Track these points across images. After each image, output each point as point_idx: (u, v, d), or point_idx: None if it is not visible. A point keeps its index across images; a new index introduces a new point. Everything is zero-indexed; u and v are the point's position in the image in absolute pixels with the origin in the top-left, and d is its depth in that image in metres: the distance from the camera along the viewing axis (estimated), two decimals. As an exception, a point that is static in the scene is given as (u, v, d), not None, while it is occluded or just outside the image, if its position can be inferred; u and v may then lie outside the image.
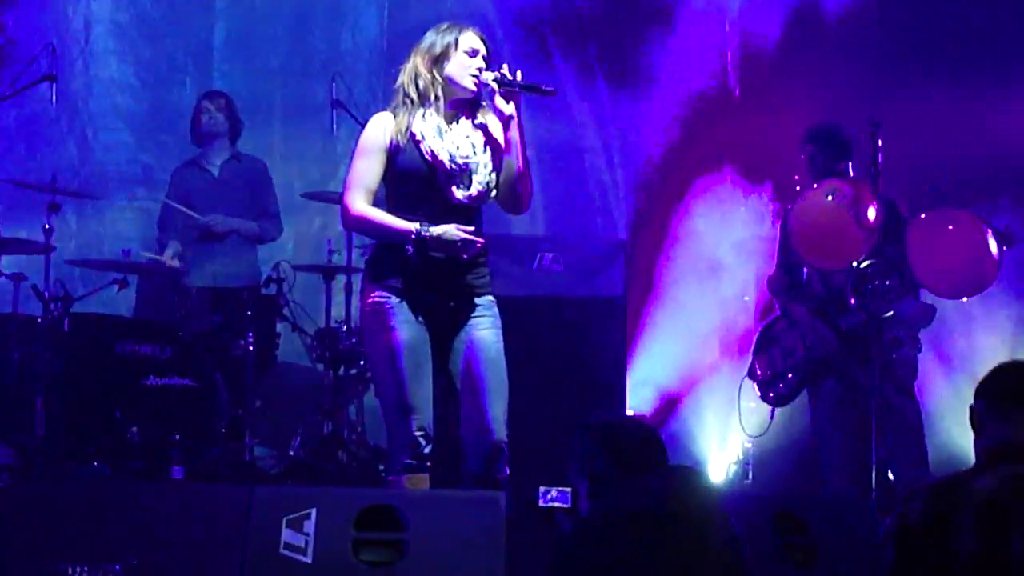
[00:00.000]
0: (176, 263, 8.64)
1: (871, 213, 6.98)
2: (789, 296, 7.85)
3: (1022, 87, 8.85)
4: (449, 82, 5.65)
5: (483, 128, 5.71)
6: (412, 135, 5.60)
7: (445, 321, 5.64)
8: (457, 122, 5.69)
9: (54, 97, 7.94)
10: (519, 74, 5.63)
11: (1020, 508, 3.29)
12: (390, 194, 5.70)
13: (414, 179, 5.61)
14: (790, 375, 7.78)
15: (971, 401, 3.74)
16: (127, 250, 8.56)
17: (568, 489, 4.97)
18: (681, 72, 10.00)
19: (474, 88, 5.65)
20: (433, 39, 5.69)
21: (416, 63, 5.69)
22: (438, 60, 5.64)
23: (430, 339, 5.61)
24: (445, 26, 5.74)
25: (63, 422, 7.67)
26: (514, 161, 5.67)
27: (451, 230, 5.51)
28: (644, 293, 9.72)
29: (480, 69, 5.64)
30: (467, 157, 5.62)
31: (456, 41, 5.65)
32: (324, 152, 10.07)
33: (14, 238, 8.24)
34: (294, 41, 10.34)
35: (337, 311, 8.64)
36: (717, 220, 9.74)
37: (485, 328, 5.64)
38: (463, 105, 5.72)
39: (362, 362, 8.48)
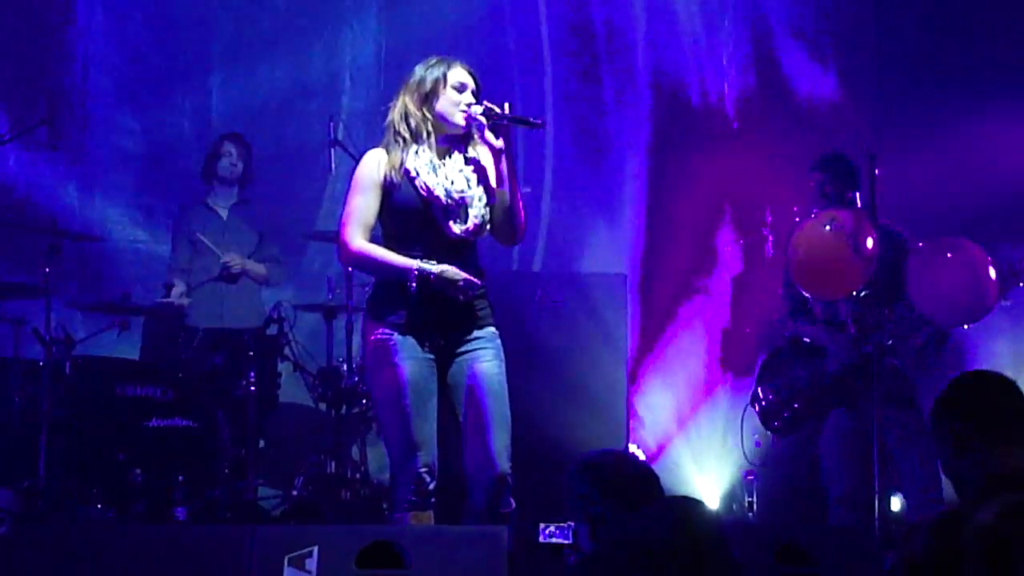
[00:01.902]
0: (185, 301, 8.65)
1: (869, 243, 6.98)
2: (798, 321, 7.77)
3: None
4: (439, 118, 5.69)
5: (475, 162, 5.74)
6: (406, 171, 5.63)
7: (447, 355, 5.66)
8: (450, 156, 5.72)
9: (52, 140, 7.98)
10: (507, 106, 5.67)
11: (1022, 540, 3.27)
12: (386, 230, 5.73)
13: (410, 215, 5.64)
14: (796, 404, 7.72)
15: None
16: (128, 292, 8.56)
17: (567, 524, 4.96)
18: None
19: (464, 123, 5.68)
20: (422, 75, 5.72)
21: (405, 101, 5.72)
22: (427, 97, 5.68)
23: (434, 374, 5.63)
24: (433, 61, 5.77)
25: (65, 465, 7.66)
26: (506, 193, 5.68)
27: (451, 270, 5.54)
28: (644, 324, 9.74)
29: (469, 104, 5.66)
30: (462, 191, 5.65)
31: (444, 76, 5.68)
32: (323, 192, 10.08)
33: (14, 281, 8.24)
34: (292, 82, 10.37)
35: (338, 350, 8.62)
36: (715, 250, 9.75)
37: (487, 360, 5.65)
38: (454, 139, 5.75)
39: (364, 401, 8.47)
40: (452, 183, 5.65)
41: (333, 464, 8.41)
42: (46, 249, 7.93)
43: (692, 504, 4.05)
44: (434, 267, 5.52)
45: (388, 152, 5.69)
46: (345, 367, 8.44)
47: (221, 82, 10.32)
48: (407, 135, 5.68)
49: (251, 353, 8.22)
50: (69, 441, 7.69)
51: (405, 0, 10.69)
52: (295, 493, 8.24)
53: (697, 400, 9.67)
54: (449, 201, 5.62)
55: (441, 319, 5.61)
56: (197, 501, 7.69)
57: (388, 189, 5.64)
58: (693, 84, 10.18)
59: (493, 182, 5.72)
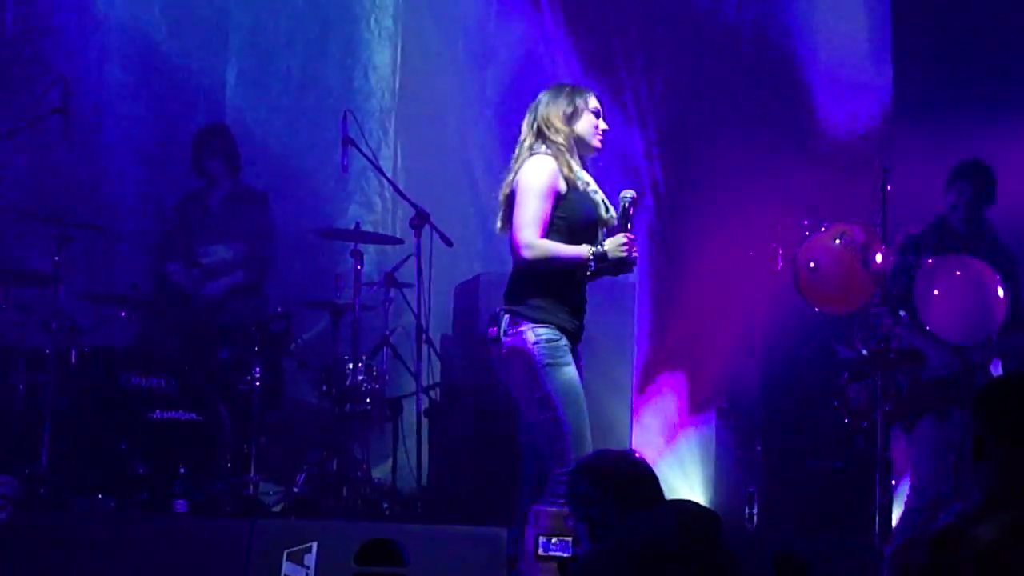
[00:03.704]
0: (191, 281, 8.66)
1: (879, 257, 6.97)
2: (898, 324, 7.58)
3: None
4: (580, 138, 6.01)
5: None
6: (582, 180, 5.93)
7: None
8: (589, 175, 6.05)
9: (65, 129, 7.99)
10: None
11: (1022, 558, 3.25)
12: (555, 237, 5.89)
13: (581, 223, 5.92)
14: (887, 406, 7.49)
15: None
16: (136, 283, 8.56)
17: (568, 538, 4.96)
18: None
19: (599, 147, 6.06)
20: (565, 95, 6.04)
21: (550, 117, 5.99)
22: (571, 117, 5.99)
23: None
24: (569, 87, 6.13)
25: (68, 454, 7.66)
26: None
27: (618, 241, 5.81)
28: (651, 332, 9.74)
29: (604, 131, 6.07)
30: (605, 207, 6.00)
31: (586, 100, 6.03)
32: (335, 189, 10.08)
33: (23, 269, 8.24)
34: (307, 78, 10.36)
35: (344, 347, 8.61)
36: (722, 262, 9.73)
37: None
38: (584, 160, 6.08)
39: (368, 400, 8.48)
40: (602, 199, 5.99)
41: (335, 462, 8.40)
42: (56, 238, 7.94)
43: (694, 508, 4.05)
44: (603, 246, 5.81)
45: (558, 161, 5.91)
46: (350, 365, 8.43)
47: (236, 76, 10.31)
48: (566, 145, 5.97)
49: (256, 348, 8.21)
50: (72, 430, 7.70)
51: (422, 1, 10.71)
52: (296, 490, 8.23)
53: (685, 420, 9.71)
54: (606, 215, 5.95)
55: (580, 326, 5.94)
56: (198, 494, 7.69)
57: (564, 197, 5.88)
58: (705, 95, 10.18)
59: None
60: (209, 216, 8.87)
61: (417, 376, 8.31)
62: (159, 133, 10.03)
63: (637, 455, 4.75)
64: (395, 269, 8.78)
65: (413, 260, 8.30)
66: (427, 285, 8.41)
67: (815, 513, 8.02)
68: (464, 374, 8.93)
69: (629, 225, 5.88)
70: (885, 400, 7.31)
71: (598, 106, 6.06)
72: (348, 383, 8.41)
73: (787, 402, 8.85)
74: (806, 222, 7.90)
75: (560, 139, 5.92)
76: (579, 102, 5.99)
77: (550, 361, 5.74)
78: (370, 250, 8.90)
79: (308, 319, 8.71)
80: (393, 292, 8.86)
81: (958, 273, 7.16)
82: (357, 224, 8.97)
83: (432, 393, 9.00)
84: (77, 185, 9.74)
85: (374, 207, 10.01)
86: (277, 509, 8.13)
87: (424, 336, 8.50)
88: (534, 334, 5.78)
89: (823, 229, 7.36)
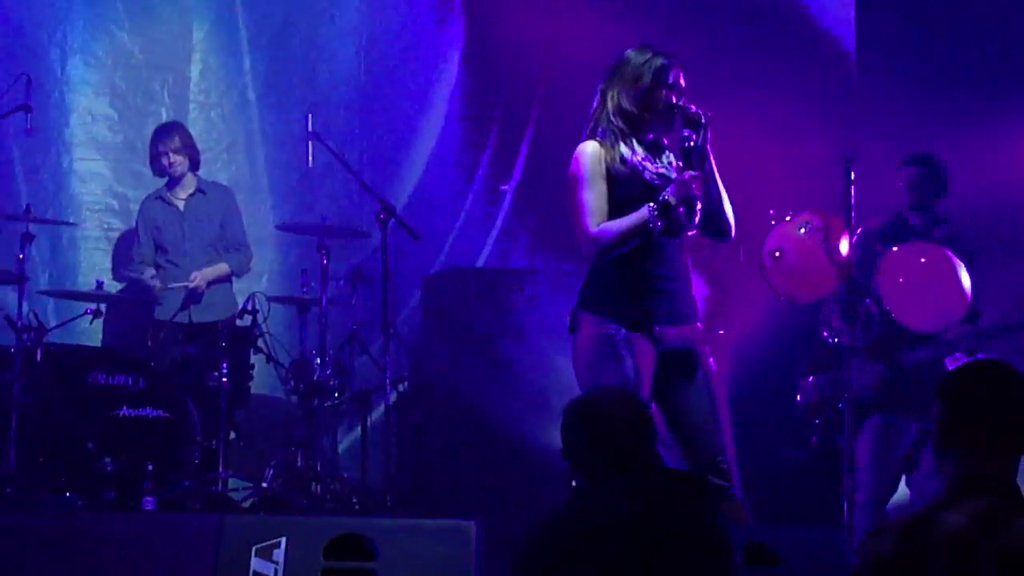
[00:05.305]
0: (157, 283, 8.63)
1: (843, 246, 6.99)
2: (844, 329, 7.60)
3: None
4: (652, 115, 5.69)
5: (676, 156, 5.77)
6: (631, 163, 5.64)
7: None
8: (658, 149, 5.79)
9: (28, 127, 7.97)
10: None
11: (988, 545, 3.27)
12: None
13: (635, 207, 5.60)
14: (840, 404, 7.51)
15: None
16: (101, 281, 8.54)
17: None
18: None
19: (670, 122, 5.71)
20: (638, 69, 5.69)
21: (617, 95, 5.70)
22: (643, 92, 5.67)
23: None
24: (649, 54, 5.73)
25: (35, 452, 7.65)
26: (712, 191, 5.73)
27: (683, 183, 5.56)
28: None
29: (679, 106, 5.67)
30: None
31: (660, 72, 5.67)
32: (300, 184, 10.06)
33: (-12, 268, 8.21)
34: (271, 73, 10.33)
35: (311, 343, 8.60)
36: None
37: None
38: (660, 133, 5.79)
39: (336, 394, 8.48)
40: (667, 178, 5.67)
41: (303, 457, 8.39)
42: (20, 236, 7.92)
43: (671, 481, 3.96)
44: (667, 195, 5.53)
45: (603, 145, 5.66)
46: (318, 360, 8.42)
47: (199, 72, 10.28)
48: (623, 127, 5.68)
49: (224, 344, 8.20)
50: (39, 428, 7.68)
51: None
52: (265, 485, 8.23)
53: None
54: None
55: (653, 309, 5.67)
56: (166, 491, 7.68)
57: (612, 181, 5.63)
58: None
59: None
60: (179, 217, 8.86)
61: (385, 370, 8.31)
62: (123, 130, 9.99)
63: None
64: (362, 263, 8.78)
65: (379, 254, 8.29)
66: (394, 279, 8.41)
67: (784, 502, 8.03)
68: (432, 367, 8.94)
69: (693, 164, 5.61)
70: (854, 390, 7.36)
71: (676, 80, 5.70)
72: (316, 378, 8.40)
73: (757, 391, 8.85)
74: (772, 212, 7.93)
75: (619, 121, 5.67)
76: (646, 76, 5.65)
77: (596, 357, 5.55)
78: (336, 245, 8.88)
79: (275, 315, 8.69)
80: (360, 286, 8.86)
81: (923, 260, 7.20)
82: (323, 219, 8.98)
83: (400, 387, 9.00)
84: (42, 182, 9.70)
85: (340, 201, 9.98)
86: (246, 505, 8.12)
87: (391, 330, 8.49)
88: (583, 328, 5.62)
89: (788, 219, 7.38)
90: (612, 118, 5.69)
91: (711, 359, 5.82)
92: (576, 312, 5.67)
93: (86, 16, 9.97)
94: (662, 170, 5.72)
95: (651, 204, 5.52)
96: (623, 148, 5.65)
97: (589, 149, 5.66)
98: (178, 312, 8.61)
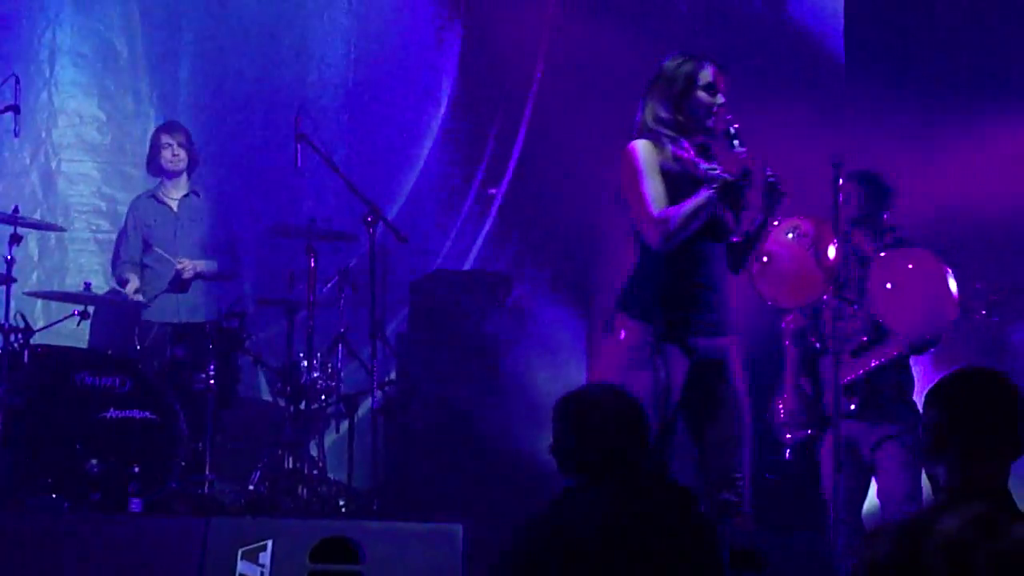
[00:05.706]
0: (139, 297, 8.62)
1: (831, 252, 6.99)
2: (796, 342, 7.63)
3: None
4: (691, 120, 5.70)
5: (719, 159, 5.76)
6: (679, 159, 5.65)
7: None
8: (708, 150, 5.77)
9: (17, 128, 7.95)
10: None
11: (986, 550, 3.27)
12: None
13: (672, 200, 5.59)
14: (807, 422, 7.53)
15: None
16: (88, 282, 8.53)
17: None
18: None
19: (712, 127, 5.71)
20: (672, 74, 5.72)
21: (654, 103, 5.72)
22: (678, 98, 5.69)
23: None
24: (680, 59, 5.76)
25: (21, 454, 7.62)
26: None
27: (739, 161, 5.58)
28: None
29: (719, 107, 5.69)
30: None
31: (694, 76, 5.69)
32: (289, 186, 10.05)
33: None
34: (260, 75, 10.33)
35: (299, 345, 8.60)
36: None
37: None
38: (706, 136, 5.77)
39: (324, 397, 8.48)
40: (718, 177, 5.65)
41: (291, 460, 8.39)
42: (8, 237, 7.90)
43: (656, 489, 3.95)
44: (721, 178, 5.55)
45: (653, 143, 5.66)
46: (305, 363, 8.41)
47: (188, 73, 10.27)
48: (670, 132, 5.68)
49: (211, 346, 8.19)
50: (25, 430, 7.65)
51: (376, -3, 10.70)
52: (252, 488, 8.22)
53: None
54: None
55: (692, 316, 5.67)
56: (153, 493, 7.66)
57: (665, 177, 5.62)
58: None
59: None
60: (172, 217, 8.85)
61: (372, 373, 8.30)
62: (112, 132, 9.99)
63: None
64: (350, 265, 8.77)
65: (367, 256, 8.29)
66: (382, 282, 8.41)
67: (770, 506, 8.03)
68: (419, 370, 8.93)
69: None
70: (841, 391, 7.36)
71: (711, 80, 5.71)
72: (303, 381, 8.40)
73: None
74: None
75: (663, 129, 5.68)
76: (685, 81, 5.68)
77: (630, 363, 5.53)
78: (324, 247, 8.87)
79: (263, 317, 8.68)
80: (348, 289, 8.86)
81: (911, 267, 7.20)
82: (311, 221, 8.97)
83: (388, 390, 9.00)
84: (30, 184, 9.69)
85: (328, 204, 9.98)
86: (233, 508, 8.11)
87: (379, 333, 8.49)
88: (620, 331, 5.60)
89: (776, 223, 7.38)
90: (653, 126, 5.71)
91: (740, 376, 5.80)
92: (614, 313, 5.67)
93: (75, 17, 9.97)
94: (714, 170, 5.68)
95: (712, 184, 5.54)
96: (672, 147, 5.67)
97: (641, 144, 5.67)
98: (162, 292, 8.59)
